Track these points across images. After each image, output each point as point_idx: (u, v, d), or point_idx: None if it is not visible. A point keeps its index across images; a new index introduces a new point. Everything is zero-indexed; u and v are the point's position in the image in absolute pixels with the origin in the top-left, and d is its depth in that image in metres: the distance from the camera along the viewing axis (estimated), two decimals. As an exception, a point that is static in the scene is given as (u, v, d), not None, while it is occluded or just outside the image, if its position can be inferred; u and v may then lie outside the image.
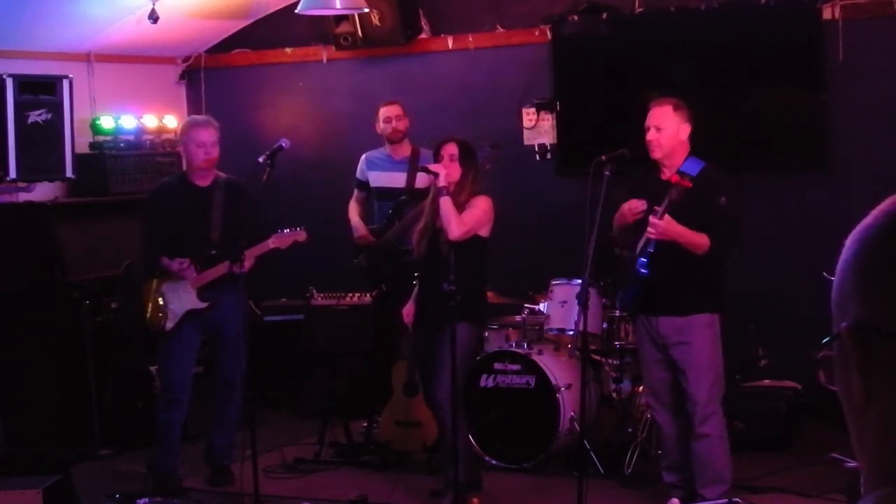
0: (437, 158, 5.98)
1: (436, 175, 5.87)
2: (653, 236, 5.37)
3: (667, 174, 5.50)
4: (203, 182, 6.39)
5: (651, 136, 5.52)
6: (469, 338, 5.90)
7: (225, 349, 6.44)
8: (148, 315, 6.36)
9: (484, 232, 5.95)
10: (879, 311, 1.01)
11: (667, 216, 5.30)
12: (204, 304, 6.32)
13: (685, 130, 5.55)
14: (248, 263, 6.09)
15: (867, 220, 1.08)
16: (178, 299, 6.33)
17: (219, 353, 6.53)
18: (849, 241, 1.08)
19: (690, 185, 5.39)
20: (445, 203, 5.79)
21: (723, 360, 5.59)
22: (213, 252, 6.27)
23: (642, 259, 5.44)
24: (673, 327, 5.47)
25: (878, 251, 1.04)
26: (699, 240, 5.37)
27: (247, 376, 6.28)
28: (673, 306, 5.48)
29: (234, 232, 6.19)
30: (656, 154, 5.53)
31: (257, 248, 6.18)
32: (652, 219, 5.34)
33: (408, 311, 6.16)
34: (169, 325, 6.32)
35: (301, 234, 6.32)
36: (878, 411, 1.02)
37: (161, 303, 6.33)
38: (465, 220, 5.83)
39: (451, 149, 5.93)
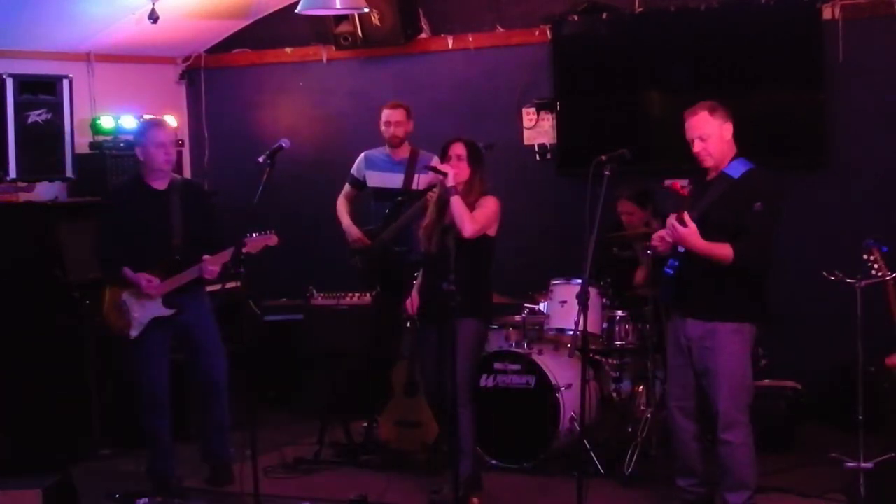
0: (443, 158, 5.97)
1: (445, 175, 5.86)
2: (668, 237, 5.33)
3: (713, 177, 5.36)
4: (160, 185, 6.24)
5: (697, 147, 5.31)
6: (476, 331, 5.92)
7: (200, 351, 6.34)
8: (111, 324, 6.23)
9: (492, 231, 5.97)
10: None
11: (692, 225, 5.17)
12: (170, 311, 6.17)
13: (728, 130, 5.34)
14: (214, 269, 6.06)
15: None
16: (142, 307, 6.16)
17: (196, 355, 6.39)
18: None
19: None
20: (457, 202, 5.79)
21: (750, 370, 5.39)
22: (178, 258, 6.16)
23: (673, 260, 5.40)
24: (698, 331, 5.35)
25: None
26: (720, 252, 5.18)
27: (229, 374, 6.24)
28: (699, 310, 5.34)
29: (196, 235, 6.15)
30: (708, 163, 5.33)
31: (222, 254, 6.05)
32: (670, 220, 5.28)
33: (411, 302, 6.15)
34: (133, 333, 6.17)
35: (272, 238, 6.14)
36: None
37: (123, 311, 6.17)
38: (478, 217, 5.84)
39: (459, 149, 5.95)
